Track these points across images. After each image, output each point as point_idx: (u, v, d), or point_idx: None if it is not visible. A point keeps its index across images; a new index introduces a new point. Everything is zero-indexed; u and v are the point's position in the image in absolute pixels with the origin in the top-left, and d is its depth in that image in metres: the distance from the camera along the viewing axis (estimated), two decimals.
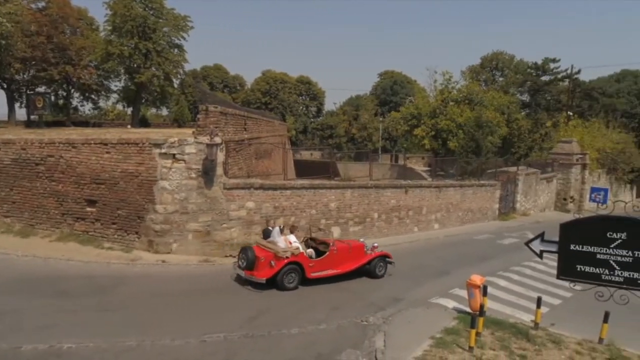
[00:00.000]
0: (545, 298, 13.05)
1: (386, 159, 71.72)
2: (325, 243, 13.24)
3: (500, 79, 56.27)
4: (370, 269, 13.46)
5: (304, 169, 41.94)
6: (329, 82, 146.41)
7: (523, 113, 51.15)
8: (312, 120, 79.60)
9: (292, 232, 12.83)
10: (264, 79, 77.09)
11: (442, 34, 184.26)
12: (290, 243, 12.36)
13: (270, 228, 13.06)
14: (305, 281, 12.28)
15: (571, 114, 43.64)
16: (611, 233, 8.07)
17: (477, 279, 10.68)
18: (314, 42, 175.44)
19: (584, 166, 34.08)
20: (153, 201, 14.06)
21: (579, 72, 46.51)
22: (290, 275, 11.97)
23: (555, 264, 17.32)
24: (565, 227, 9.04)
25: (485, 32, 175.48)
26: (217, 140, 13.48)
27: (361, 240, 14.55)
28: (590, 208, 36.14)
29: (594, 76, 69.16)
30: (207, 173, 13.75)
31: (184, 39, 38.33)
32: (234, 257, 14.20)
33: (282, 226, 13.25)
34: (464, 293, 11.68)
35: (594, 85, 52.89)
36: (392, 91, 78.93)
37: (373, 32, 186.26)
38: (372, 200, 18.66)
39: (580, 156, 33.82)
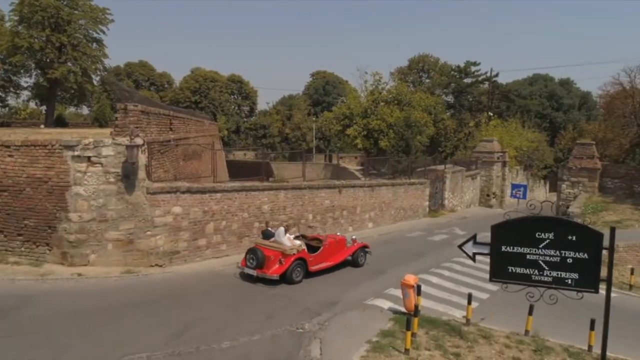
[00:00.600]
0: (474, 293, 13.45)
1: (320, 159, 72.08)
2: (318, 239, 14.63)
3: (427, 80, 58.58)
4: (354, 259, 15.19)
5: (237, 170, 40.82)
6: (261, 82, 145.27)
7: (448, 113, 53.63)
8: (245, 119, 78.14)
9: (286, 232, 13.71)
10: (193, 77, 74.41)
11: (372, 35, 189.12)
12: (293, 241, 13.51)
13: (270, 229, 14.29)
14: (311, 274, 13.59)
15: (491, 114, 46.34)
16: (539, 233, 8.10)
17: (410, 279, 10.70)
18: (245, 40, 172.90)
19: (504, 164, 36.22)
20: (66, 209, 12.72)
21: (497, 75, 49.63)
22: (297, 270, 13.18)
23: (482, 258, 18.27)
24: (497, 229, 8.91)
25: (413, 35, 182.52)
26: (138, 141, 12.47)
27: (338, 234, 16.20)
28: (510, 203, 38.77)
29: (510, 79, 74.45)
30: (127, 177, 12.68)
31: (103, 32, 35.80)
32: (160, 266, 13.30)
33: (287, 227, 14.33)
34: (399, 292, 11.69)
35: (510, 87, 56.70)
36: (324, 91, 79.53)
37: (305, 31, 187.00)
38: (306, 201, 18.36)
39: (501, 154, 35.90)
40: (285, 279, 12.84)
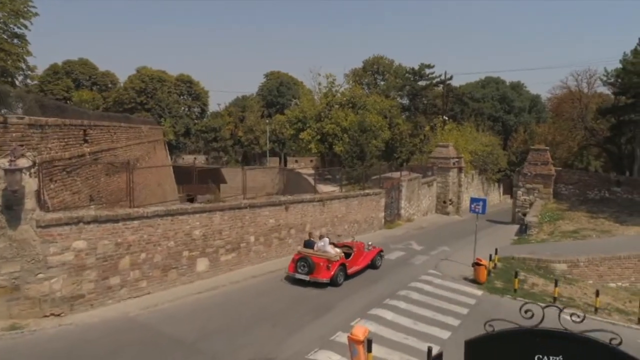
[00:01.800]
0: (432, 330, 11.88)
1: (275, 162, 69.84)
2: (348, 246, 16.81)
3: (382, 82, 57.59)
4: (373, 262, 17.11)
5: (185, 177, 37.97)
6: (213, 82, 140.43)
7: (404, 116, 52.81)
8: (195, 121, 74.57)
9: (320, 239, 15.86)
10: (139, 77, 70.03)
11: (327, 35, 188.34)
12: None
13: (312, 240, 16.26)
14: (347, 277, 15.39)
15: (446, 118, 45.71)
16: (541, 356, 4.74)
17: (360, 332, 8.82)
18: (195, 40, 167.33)
19: (460, 169, 35.42)
20: None
21: (451, 78, 49.10)
22: (340, 274, 15.00)
23: (441, 281, 16.83)
24: (473, 347, 4.99)
25: (367, 36, 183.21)
26: (23, 162, 9.93)
27: (355, 240, 18.44)
28: (467, 208, 38.07)
29: (463, 82, 75.02)
30: (9, 208, 10.10)
31: (26, 27, 31.99)
32: (57, 315, 10.79)
33: (330, 237, 16.64)
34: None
35: (464, 90, 56.65)
36: (278, 92, 77.23)
37: (258, 31, 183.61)
38: (247, 221, 16.21)
39: (457, 160, 35.06)
40: (332, 282, 14.70)
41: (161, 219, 13.04)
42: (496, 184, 49.96)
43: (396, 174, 30.17)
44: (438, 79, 50.04)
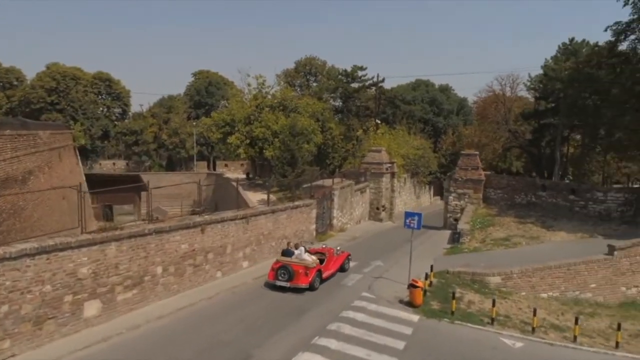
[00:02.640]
0: None
1: (203, 167, 66.22)
2: (321, 252, 18.07)
3: (314, 84, 56.26)
4: (342, 266, 18.54)
5: (102, 185, 34.15)
6: (135, 82, 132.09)
7: (337, 118, 51.83)
8: (116, 123, 68.90)
9: (306, 250, 17.13)
10: (49, 74, 63.35)
11: (259, 35, 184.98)
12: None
13: (291, 249, 17.13)
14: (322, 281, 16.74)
15: (379, 121, 45.22)
16: None
17: None
18: (115, 36, 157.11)
19: (392, 174, 34.78)
20: None
21: (383, 80, 48.80)
22: (317, 279, 16.30)
23: (375, 307, 15.43)
24: None
25: (300, 36, 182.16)
26: None
27: (324, 245, 20.27)
28: (400, 214, 37.73)
29: (395, 84, 75.77)
30: None
31: None
32: None
33: (306, 246, 17.89)
34: None
35: (395, 93, 56.77)
36: (207, 92, 73.41)
37: (185, 28, 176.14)
38: (152, 250, 13.81)
39: (389, 165, 34.39)
40: (310, 287, 15.93)
41: (32, 259, 10.39)
42: (427, 187, 50.40)
43: (328, 182, 28.78)
44: (370, 82, 49.53)
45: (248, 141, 41.20)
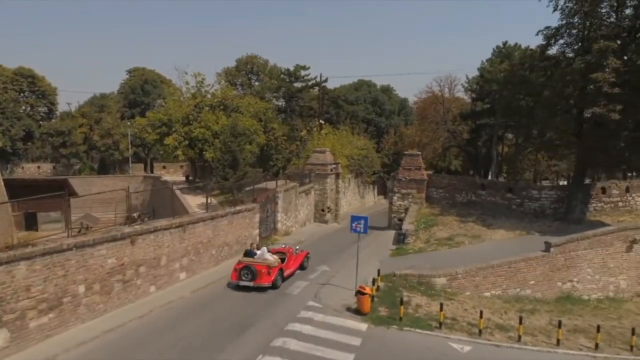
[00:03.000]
0: None
1: (139, 169, 62.70)
2: (282, 252, 18.54)
3: (256, 83, 54.93)
4: (302, 264, 19.11)
5: (24, 191, 30.95)
6: (63, 79, 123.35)
7: (280, 119, 50.89)
8: (41, 123, 63.61)
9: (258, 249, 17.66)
10: None
11: (196, 33, 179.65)
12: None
13: (253, 250, 17.60)
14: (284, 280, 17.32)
15: (322, 122, 44.80)
16: None
17: None
18: (39, 31, 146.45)
19: (337, 175, 34.41)
20: None
21: (326, 80, 48.44)
22: (279, 278, 16.85)
23: (322, 317, 14.72)
24: None
25: (241, 34, 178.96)
26: None
27: (284, 245, 20.86)
28: (345, 215, 37.50)
29: (338, 84, 75.88)
30: None
31: None
32: None
33: (268, 247, 18.30)
34: None
35: (338, 93, 56.69)
36: (143, 91, 69.67)
37: (119, 25, 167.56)
38: (72, 268, 12.27)
39: (334, 166, 33.99)
40: (273, 286, 16.43)
41: None
42: (371, 186, 50.71)
43: (272, 184, 27.80)
44: (314, 81, 49.03)
45: (187, 142, 39.32)
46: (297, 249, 19.78)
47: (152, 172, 60.97)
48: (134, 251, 14.60)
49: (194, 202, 32.52)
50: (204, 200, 33.43)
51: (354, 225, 16.64)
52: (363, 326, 13.86)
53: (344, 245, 24.53)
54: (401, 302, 14.65)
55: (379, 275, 17.37)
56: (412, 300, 16.48)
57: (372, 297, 15.49)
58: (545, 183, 50.45)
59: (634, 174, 39.53)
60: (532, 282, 19.74)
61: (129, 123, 59.84)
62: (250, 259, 16.90)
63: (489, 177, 50.95)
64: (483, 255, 20.95)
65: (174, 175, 60.28)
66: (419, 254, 22.35)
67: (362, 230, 16.56)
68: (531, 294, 19.72)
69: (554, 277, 20.21)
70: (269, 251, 17.61)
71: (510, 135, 49.42)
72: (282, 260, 17.77)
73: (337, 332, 13.16)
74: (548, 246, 20.10)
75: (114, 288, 13.80)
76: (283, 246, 20.36)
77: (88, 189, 44.88)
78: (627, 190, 28.32)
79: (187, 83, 41.09)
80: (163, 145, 40.08)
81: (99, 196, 41.19)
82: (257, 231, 23.71)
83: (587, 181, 30.83)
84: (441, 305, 14.66)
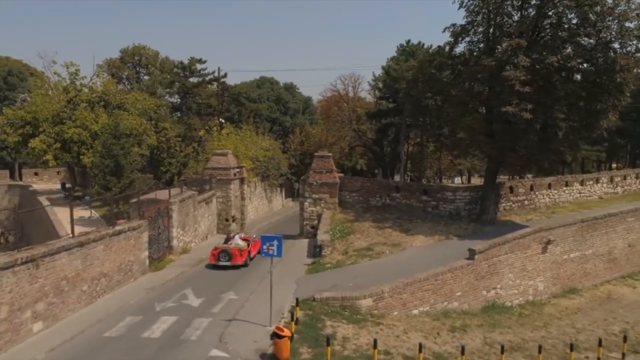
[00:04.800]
0: None
1: (4, 177, 52.87)
2: (246, 239, 22.70)
3: (146, 77, 48.96)
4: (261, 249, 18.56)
5: None
6: None
7: (175, 117, 45.77)
8: None
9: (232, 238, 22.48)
10: None
11: (72, 17, 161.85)
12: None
13: (230, 236, 22.81)
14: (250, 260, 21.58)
15: (223, 120, 40.86)
16: None
17: None
18: None
19: (242, 180, 30.96)
20: None
21: (225, 75, 44.57)
22: (248, 258, 21.39)
23: None
24: None
25: (123, 23, 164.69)
26: None
27: (246, 234, 25.37)
28: (253, 222, 34.25)
29: (239, 81, 71.63)
30: None
31: None
32: None
33: (241, 234, 23.61)
34: None
35: (240, 90, 52.89)
36: (6, 84, 59.19)
37: None
38: None
39: (238, 169, 30.50)
40: (244, 264, 20.92)
41: None
42: (278, 189, 47.82)
43: (164, 194, 23.61)
44: (211, 76, 44.78)
45: (59, 145, 32.97)
46: (255, 237, 23.51)
47: (20, 179, 51.83)
48: None
49: (69, 217, 27.05)
50: (84, 213, 28.00)
51: (265, 247, 13.61)
52: None
53: (252, 262, 21.44)
54: (327, 343, 11.96)
55: (297, 305, 14.51)
56: (337, 331, 13.92)
57: (292, 336, 12.62)
58: (453, 183, 51.86)
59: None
60: (458, 293, 18.39)
61: None
62: (226, 245, 21.56)
63: (395, 176, 51.03)
64: (406, 266, 19.23)
65: (49, 183, 51.75)
66: (338, 268, 19.96)
67: (275, 254, 13.60)
68: (458, 306, 18.37)
69: (479, 286, 19.11)
70: (240, 238, 22.27)
71: (411, 134, 49.84)
72: (247, 244, 21.96)
73: None
74: (472, 253, 18.93)
75: None
76: (245, 235, 24.09)
77: None
78: (532, 188, 28.90)
79: (56, 74, 34.50)
80: (27, 148, 33.26)
81: None
82: (145, 253, 19.57)
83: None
84: (375, 341, 12.23)
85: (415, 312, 17.26)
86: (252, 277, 19.20)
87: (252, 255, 21.83)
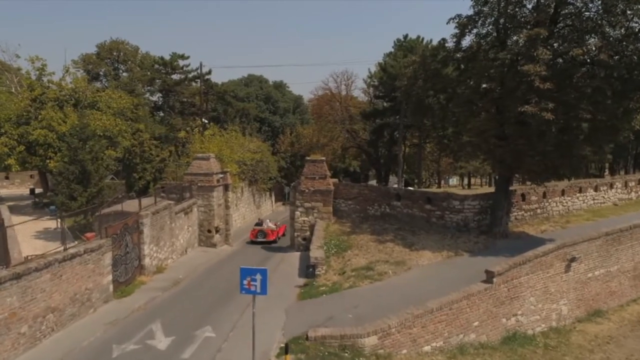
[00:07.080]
0: None
1: None
2: (274, 225, 29.98)
3: (125, 74, 45.74)
4: (285, 231, 29.66)
5: None
6: None
7: (157, 117, 42.70)
8: None
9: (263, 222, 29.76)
10: None
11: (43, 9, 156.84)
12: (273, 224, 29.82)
13: (260, 221, 29.97)
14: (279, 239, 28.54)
15: (206, 121, 37.87)
16: None
17: None
18: None
19: (226, 187, 28.06)
20: None
21: (209, 72, 41.64)
22: (278, 237, 28.78)
23: None
24: None
25: (100, 17, 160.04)
26: None
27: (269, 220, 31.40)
28: (238, 233, 31.41)
29: (225, 78, 68.40)
30: None
31: None
32: None
33: (269, 219, 31.62)
34: None
35: (226, 88, 49.94)
36: None
37: None
38: None
39: (221, 175, 27.61)
40: (275, 241, 27.96)
41: None
42: (267, 193, 44.96)
43: (134, 205, 20.67)
44: (195, 73, 41.75)
45: (23, 147, 29.85)
46: (278, 224, 30.65)
47: None
48: None
49: (34, 228, 24.15)
50: (51, 224, 25.04)
51: (244, 283, 10.80)
52: None
53: (235, 281, 18.45)
54: None
55: (287, 352, 11.71)
56: None
57: None
58: (448, 185, 49.39)
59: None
60: (475, 323, 15.73)
61: None
62: (261, 227, 28.43)
63: (390, 179, 48.40)
64: (414, 290, 16.60)
65: (21, 187, 48.34)
66: (335, 293, 17.21)
67: (258, 291, 10.80)
68: (475, 338, 15.71)
69: (498, 314, 16.48)
70: (270, 222, 29.75)
71: (408, 135, 47.26)
72: (276, 227, 29.27)
73: None
74: (490, 276, 16.28)
75: None
76: (269, 221, 30.48)
77: None
78: (544, 195, 26.40)
79: (19, 69, 31.27)
80: None
81: None
82: (109, 278, 16.62)
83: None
84: None
85: (427, 348, 14.57)
86: (236, 301, 16.26)
87: (280, 234, 29.34)
